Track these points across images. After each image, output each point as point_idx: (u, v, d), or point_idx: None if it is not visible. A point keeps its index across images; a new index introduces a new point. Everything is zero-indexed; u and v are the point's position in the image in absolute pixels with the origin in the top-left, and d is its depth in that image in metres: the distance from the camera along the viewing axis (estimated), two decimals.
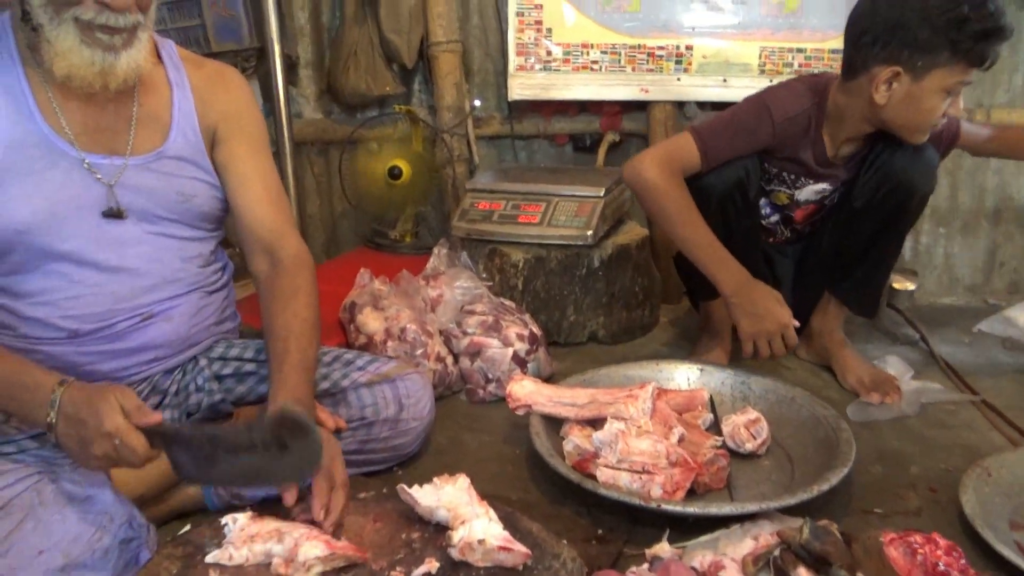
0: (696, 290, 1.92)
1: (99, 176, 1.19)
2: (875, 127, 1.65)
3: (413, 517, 1.19)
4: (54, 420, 1.04)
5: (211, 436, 1.09)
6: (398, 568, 1.07)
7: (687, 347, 2.02)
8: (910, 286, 2.27)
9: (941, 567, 0.98)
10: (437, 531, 1.15)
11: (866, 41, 1.56)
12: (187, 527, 1.23)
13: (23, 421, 1.15)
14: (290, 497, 1.16)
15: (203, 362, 1.35)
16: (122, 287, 1.22)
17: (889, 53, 1.54)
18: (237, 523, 1.11)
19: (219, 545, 1.11)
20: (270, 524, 1.11)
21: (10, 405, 1.10)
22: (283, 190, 1.41)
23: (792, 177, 1.75)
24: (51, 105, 1.16)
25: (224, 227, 1.40)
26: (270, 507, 1.20)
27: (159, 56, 1.29)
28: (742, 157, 1.68)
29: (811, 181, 1.75)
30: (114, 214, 1.20)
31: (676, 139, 1.73)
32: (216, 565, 1.08)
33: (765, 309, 1.62)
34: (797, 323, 1.62)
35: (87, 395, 1.05)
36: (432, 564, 1.06)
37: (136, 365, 1.26)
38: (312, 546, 1.05)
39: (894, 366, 1.80)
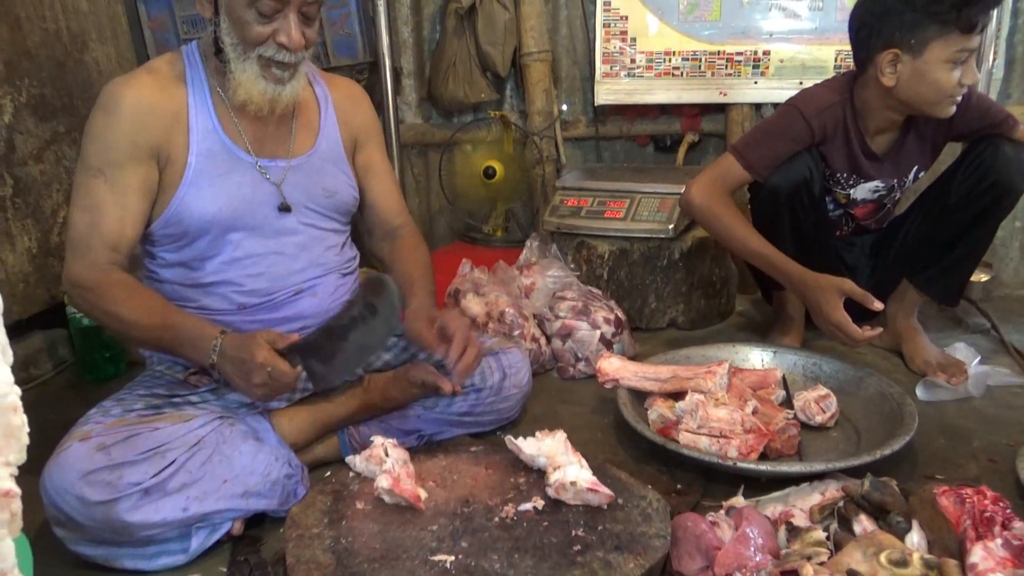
0: (766, 283, 2.07)
1: (268, 176, 1.45)
2: (901, 113, 1.77)
3: (519, 465, 1.39)
4: (215, 360, 1.31)
5: (325, 329, 1.35)
6: (509, 504, 1.26)
7: (762, 334, 2.15)
8: (983, 277, 2.34)
9: (987, 514, 1.11)
10: (539, 477, 1.34)
11: (863, 35, 1.70)
12: (328, 472, 1.48)
13: (192, 362, 1.42)
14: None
15: None
16: (280, 268, 1.47)
17: (884, 39, 1.67)
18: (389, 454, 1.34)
19: (359, 484, 1.34)
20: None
21: (184, 350, 1.36)
22: (397, 182, 1.74)
23: (844, 176, 1.87)
24: (231, 120, 1.42)
25: (351, 223, 1.65)
26: None
27: (307, 77, 1.53)
28: (802, 157, 1.80)
29: (862, 180, 1.87)
30: (284, 208, 1.46)
31: (720, 162, 1.89)
32: (361, 496, 1.30)
33: (817, 307, 1.73)
34: (880, 305, 1.65)
35: (242, 340, 1.31)
36: (537, 501, 1.26)
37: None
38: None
39: (962, 352, 1.88)
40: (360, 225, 1.70)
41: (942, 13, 1.60)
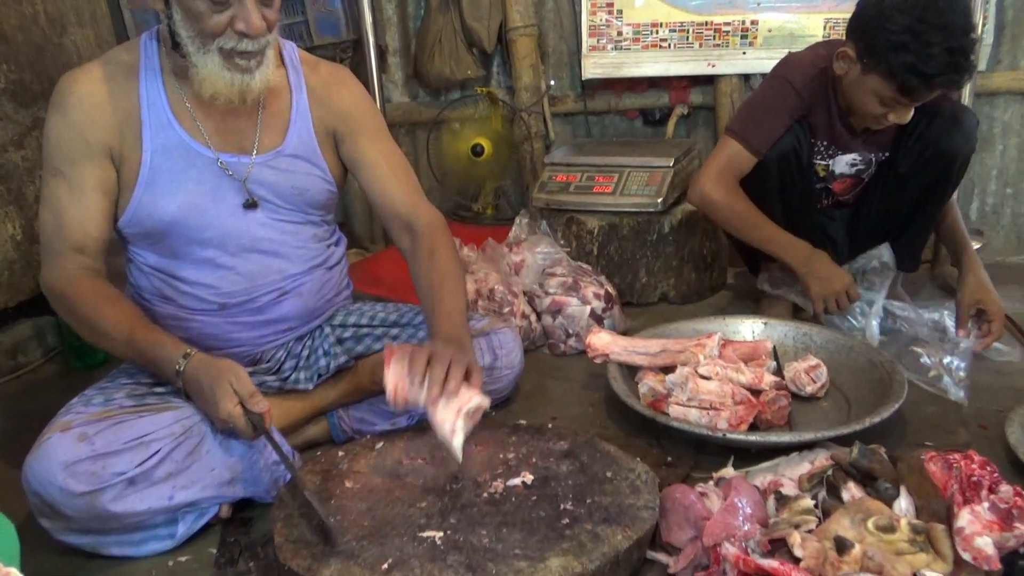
0: (754, 259, 2.07)
1: (231, 173, 1.37)
2: None
3: (508, 442, 1.38)
4: (180, 385, 1.27)
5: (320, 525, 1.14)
6: (498, 480, 1.26)
7: (752, 306, 2.14)
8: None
9: (974, 478, 1.11)
10: (529, 452, 1.34)
11: (854, 14, 1.68)
12: (318, 453, 1.47)
13: (154, 367, 1.31)
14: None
15: (327, 329, 1.54)
16: (256, 266, 1.41)
17: (853, 35, 1.67)
18: None
19: (348, 464, 1.34)
20: None
21: (150, 368, 1.31)
22: (409, 167, 1.56)
23: (824, 146, 1.86)
24: (188, 113, 1.34)
25: (335, 212, 1.58)
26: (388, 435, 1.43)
27: (281, 58, 1.44)
28: (792, 127, 1.80)
29: (839, 151, 1.86)
30: (250, 204, 1.39)
31: (722, 149, 1.86)
32: (350, 476, 1.30)
33: (830, 273, 1.79)
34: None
35: (207, 375, 1.22)
36: (526, 476, 1.26)
37: (274, 333, 1.47)
38: None
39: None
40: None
41: (895, 65, 1.59)
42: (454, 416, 1.21)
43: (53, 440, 1.18)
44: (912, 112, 1.69)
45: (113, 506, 1.17)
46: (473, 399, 1.24)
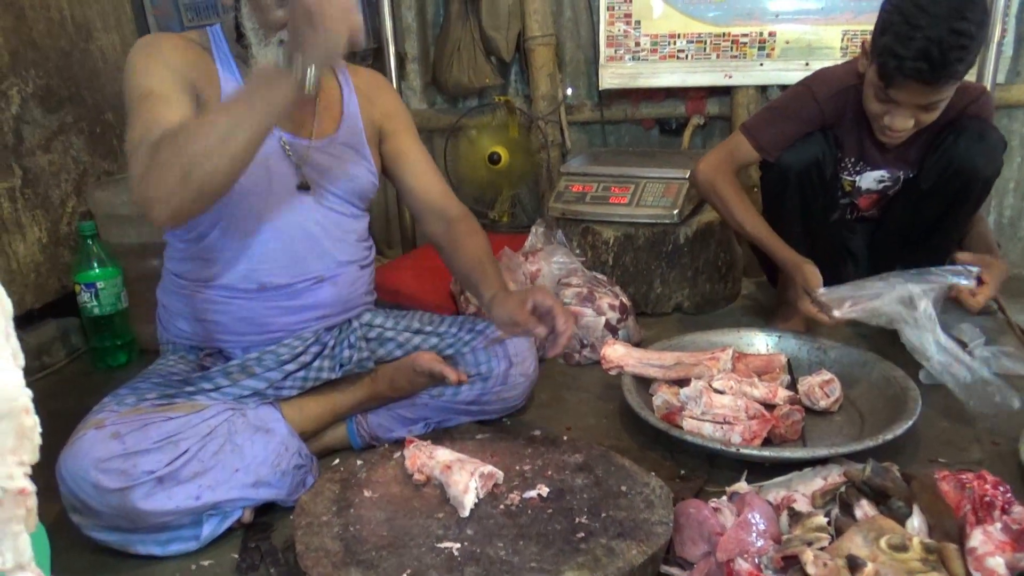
0: (772, 265, 2.07)
1: (290, 153, 1.45)
2: None
3: (524, 453, 1.41)
4: (287, 43, 1.18)
5: None
6: (514, 492, 1.28)
7: (766, 317, 2.15)
8: None
9: (987, 498, 1.12)
10: (544, 465, 1.36)
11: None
12: (336, 460, 1.50)
13: (274, 94, 1.20)
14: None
15: (355, 324, 1.59)
16: (301, 249, 1.46)
17: (876, 27, 1.65)
18: None
19: (367, 473, 1.36)
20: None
21: (257, 96, 1.19)
22: (437, 167, 1.70)
23: (852, 162, 1.86)
24: None
25: (370, 211, 1.65)
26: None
27: None
28: (815, 138, 1.80)
29: (868, 167, 1.86)
30: (303, 186, 1.46)
31: (730, 140, 1.91)
32: (369, 485, 1.32)
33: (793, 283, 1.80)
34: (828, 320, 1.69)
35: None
36: (542, 489, 1.28)
37: (307, 320, 1.51)
38: None
39: (967, 333, 1.88)
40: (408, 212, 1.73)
41: (878, 44, 1.60)
42: (468, 477, 1.26)
43: (87, 437, 1.22)
44: (909, 120, 1.67)
45: (142, 504, 1.20)
46: (488, 466, 1.30)
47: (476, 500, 1.24)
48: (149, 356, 1.82)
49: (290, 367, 1.47)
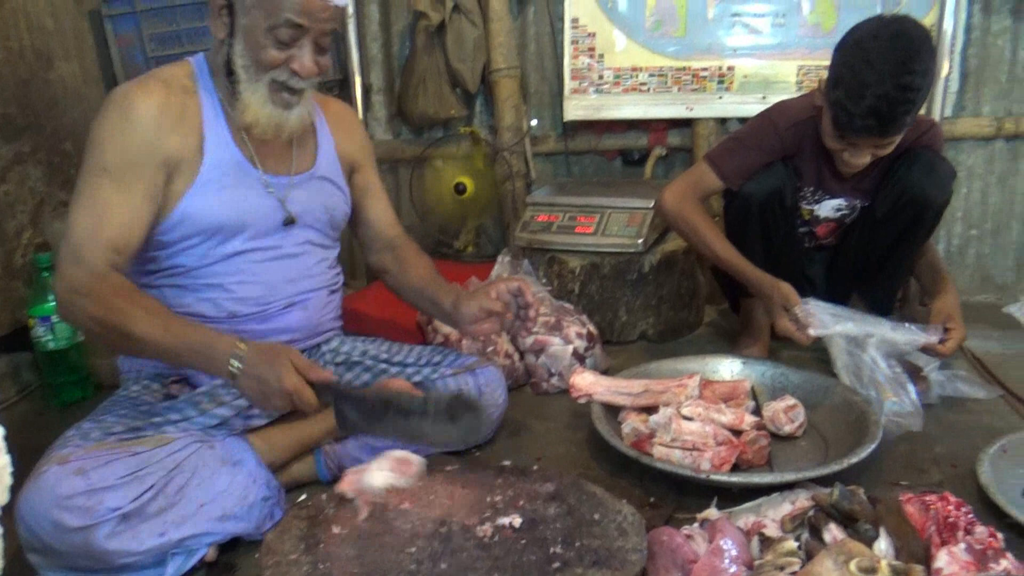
0: (734, 291, 2.11)
1: (271, 190, 1.47)
2: None
3: (495, 483, 1.40)
4: (237, 371, 1.24)
5: (385, 399, 1.27)
6: (487, 524, 1.27)
7: (729, 344, 2.19)
8: None
9: (951, 519, 1.15)
10: (516, 495, 1.36)
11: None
12: (303, 495, 1.47)
13: (206, 372, 1.33)
14: None
15: (324, 348, 1.60)
16: (276, 276, 1.48)
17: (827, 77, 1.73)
18: None
19: (335, 508, 1.33)
20: None
21: (195, 360, 1.28)
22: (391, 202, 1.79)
23: (811, 191, 1.93)
24: (240, 134, 1.43)
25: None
26: None
27: None
28: (776, 168, 1.86)
29: (827, 196, 1.92)
30: (289, 221, 1.49)
31: (694, 169, 1.97)
32: (337, 520, 1.30)
33: (769, 314, 1.87)
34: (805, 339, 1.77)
35: (267, 357, 1.24)
36: (515, 519, 1.27)
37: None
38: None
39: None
40: (355, 240, 1.78)
41: (831, 97, 1.67)
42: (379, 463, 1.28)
43: (50, 473, 1.18)
44: (867, 157, 1.74)
45: (106, 543, 1.16)
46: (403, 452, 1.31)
47: (387, 483, 1.26)
48: (105, 392, 1.78)
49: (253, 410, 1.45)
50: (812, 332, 1.74)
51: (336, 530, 1.28)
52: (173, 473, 1.25)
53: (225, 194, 1.41)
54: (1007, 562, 1.07)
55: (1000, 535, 1.12)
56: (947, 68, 2.38)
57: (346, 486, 1.28)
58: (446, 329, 2.00)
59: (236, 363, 1.25)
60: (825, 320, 1.75)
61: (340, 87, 2.57)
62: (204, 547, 1.28)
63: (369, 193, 1.69)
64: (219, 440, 1.36)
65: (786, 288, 1.81)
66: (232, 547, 1.34)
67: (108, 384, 1.78)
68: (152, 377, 1.49)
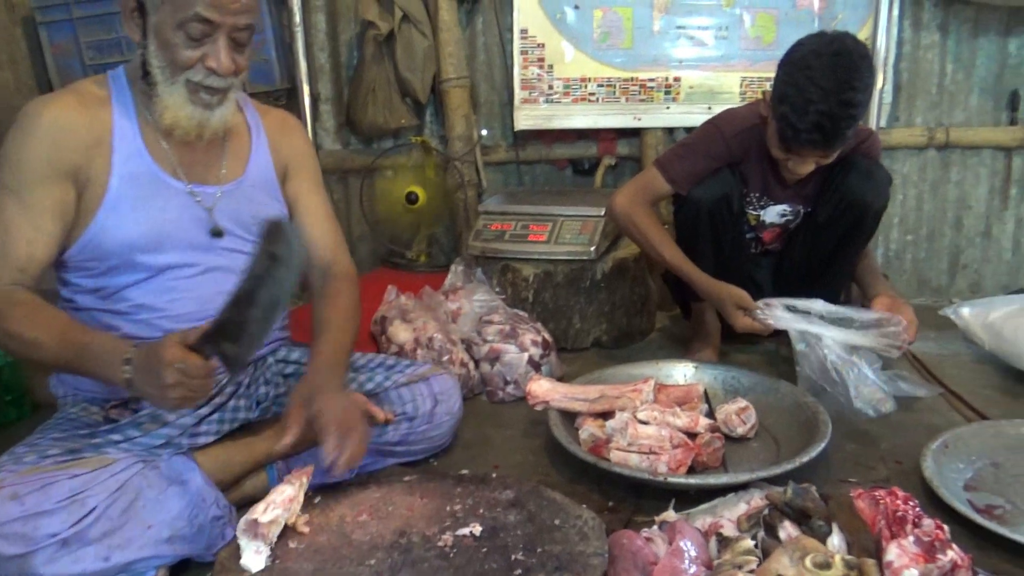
0: (684, 296, 2.15)
1: (199, 200, 1.42)
2: None
3: (454, 493, 1.39)
4: (130, 374, 1.18)
5: (232, 301, 1.17)
6: (447, 533, 1.26)
7: (681, 349, 2.22)
8: None
9: (899, 513, 1.19)
10: (475, 503, 1.35)
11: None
12: None
13: (105, 382, 1.27)
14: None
15: (270, 360, 1.55)
16: (208, 289, 1.41)
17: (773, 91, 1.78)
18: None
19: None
20: None
21: (94, 368, 1.22)
22: (335, 220, 1.65)
23: (757, 197, 1.98)
24: (159, 144, 1.38)
25: None
26: (327, 489, 1.41)
27: (238, 104, 1.50)
28: (723, 173, 1.91)
29: (772, 202, 1.98)
30: (216, 233, 1.43)
31: (644, 173, 2.01)
32: (293, 536, 1.27)
33: (724, 314, 1.91)
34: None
35: (149, 349, 1.17)
36: (475, 527, 1.26)
37: None
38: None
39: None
40: None
41: (776, 112, 1.72)
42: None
43: None
44: (811, 165, 1.80)
45: (45, 569, 1.11)
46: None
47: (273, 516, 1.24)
48: (44, 411, 1.70)
49: (204, 410, 1.40)
50: (771, 323, 1.80)
51: (293, 545, 1.25)
52: (116, 495, 1.20)
53: (140, 209, 1.35)
54: (953, 553, 1.11)
55: (946, 527, 1.16)
56: (881, 81, 2.48)
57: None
58: (401, 338, 1.98)
59: (127, 368, 1.19)
60: (784, 317, 1.80)
61: (288, 96, 2.54)
62: (152, 570, 1.23)
63: (301, 206, 1.58)
64: (164, 460, 1.31)
65: (737, 292, 1.86)
66: (183, 567, 1.29)
67: (47, 403, 1.70)
68: (90, 400, 1.43)
